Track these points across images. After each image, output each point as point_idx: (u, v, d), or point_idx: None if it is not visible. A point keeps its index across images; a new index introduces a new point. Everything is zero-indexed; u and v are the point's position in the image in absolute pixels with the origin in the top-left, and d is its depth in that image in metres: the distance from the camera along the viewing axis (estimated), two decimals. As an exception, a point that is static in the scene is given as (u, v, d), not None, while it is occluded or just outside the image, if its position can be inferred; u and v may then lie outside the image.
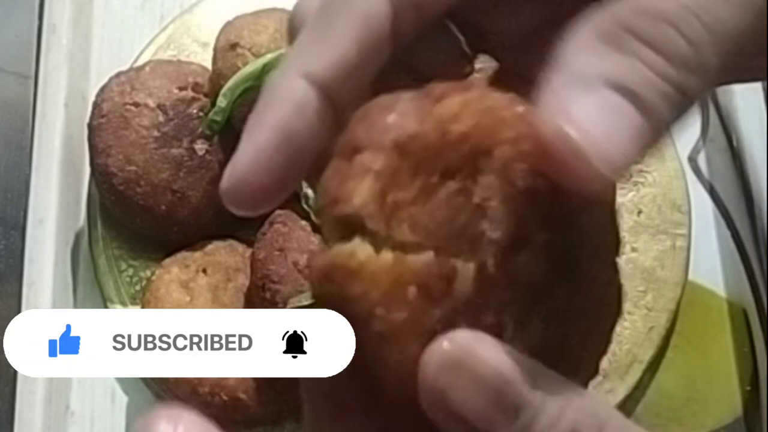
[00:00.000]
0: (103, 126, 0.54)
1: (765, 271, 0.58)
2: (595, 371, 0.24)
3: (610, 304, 0.25)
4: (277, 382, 0.53)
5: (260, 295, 0.50)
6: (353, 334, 0.21)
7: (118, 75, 0.56)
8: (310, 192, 0.52)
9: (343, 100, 0.23)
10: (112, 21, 0.67)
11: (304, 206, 0.51)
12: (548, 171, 0.21)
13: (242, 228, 0.58)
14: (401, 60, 0.25)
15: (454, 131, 0.21)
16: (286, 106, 0.23)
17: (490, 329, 0.21)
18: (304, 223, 0.51)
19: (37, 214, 0.57)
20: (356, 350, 0.21)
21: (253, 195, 0.23)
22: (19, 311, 0.54)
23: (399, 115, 0.22)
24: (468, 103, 0.22)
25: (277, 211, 0.53)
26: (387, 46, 0.24)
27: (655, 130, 0.21)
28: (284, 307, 0.49)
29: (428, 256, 0.21)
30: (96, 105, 0.55)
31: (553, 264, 0.22)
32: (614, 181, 0.21)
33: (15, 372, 0.53)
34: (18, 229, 0.57)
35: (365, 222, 0.21)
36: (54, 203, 0.57)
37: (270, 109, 0.23)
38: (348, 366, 0.22)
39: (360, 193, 0.21)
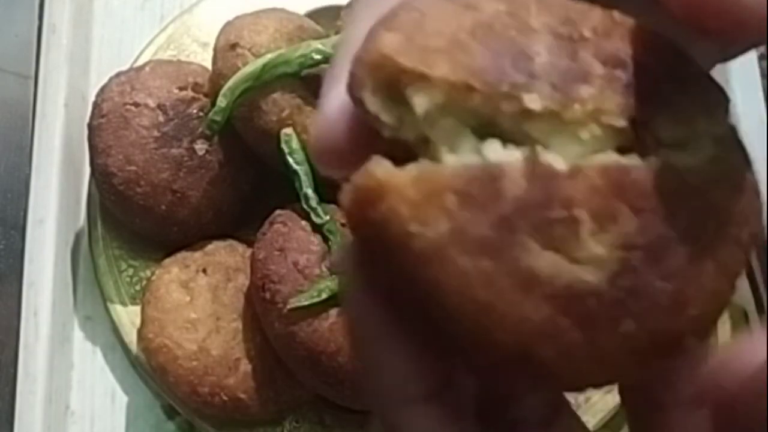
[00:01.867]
0: (103, 126, 0.54)
1: (765, 271, 0.58)
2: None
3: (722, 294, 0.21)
4: (277, 382, 0.53)
5: (260, 295, 0.50)
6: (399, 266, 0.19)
7: (118, 75, 0.56)
8: (310, 192, 0.52)
9: None
10: (112, 21, 0.67)
11: (304, 206, 0.51)
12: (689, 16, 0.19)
13: (242, 228, 0.58)
14: None
15: None
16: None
17: (561, 225, 0.19)
18: (304, 223, 0.51)
19: (37, 214, 0.57)
20: (403, 281, 0.19)
21: (342, 144, 0.21)
22: (19, 311, 0.54)
23: None
24: None
25: (277, 211, 0.53)
26: None
27: None
28: (284, 307, 0.49)
29: (461, 161, 0.19)
30: (96, 105, 0.55)
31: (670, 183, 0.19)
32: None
33: (15, 372, 0.53)
34: (18, 229, 0.57)
35: (398, 61, 0.19)
36: (54, 203, 0.57)
37: (349, 55, 0.21)
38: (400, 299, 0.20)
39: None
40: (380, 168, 0.19)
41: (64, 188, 0.58)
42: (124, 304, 0.57)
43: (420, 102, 0.19)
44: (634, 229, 0.19)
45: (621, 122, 0.19)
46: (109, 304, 0.57)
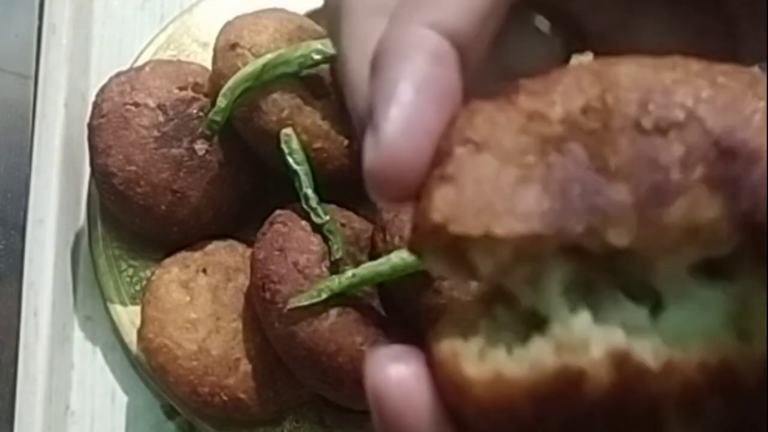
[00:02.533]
0: (103, 126, 0.54)
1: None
2: None
3: None
4: (277, 382, 0.53)
5: (260, 295, 0.50)
6: None
7: (118, 75, 0.56)
8: (310, 192, 0.52)
9: (472, 57, 0.20)
10: (112, 21, 0.67)
11: (304, 206, 0.51)
12: None
13: (242, 228, 0.58)
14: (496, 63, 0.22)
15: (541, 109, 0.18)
16: (421, 57, 0.18)
17: (644, 425, 0.17)
18: (304, 223, 0.51)
19: (37, 214, 0.57)
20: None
21: (409, 167, 0.18)
22: (19, 311, 0.54)
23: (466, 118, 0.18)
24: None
25: (277, 211, 0.53)
26: None
27: None
28: (284, 307, 0.49)
29: (543, 356, 0.17)
30: (96, 105, 0.55)
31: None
32: None
33: (15, 372, 0.53)
34: (18, 229, 0.57)
35: (449, 228, 0.17)
36: (54, 203, 0.57)
37: (403, 63, 0.18)
38: None
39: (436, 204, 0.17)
40: (459, 366, 0.17)
41: (64, 188, 0.58)
42: (124, 304, 0.57)
43: (485, 264, 0.18)
44: (724, 415, 0.17)
45: (723, 238, 0.17)
46: (109, 304, 0.57)
